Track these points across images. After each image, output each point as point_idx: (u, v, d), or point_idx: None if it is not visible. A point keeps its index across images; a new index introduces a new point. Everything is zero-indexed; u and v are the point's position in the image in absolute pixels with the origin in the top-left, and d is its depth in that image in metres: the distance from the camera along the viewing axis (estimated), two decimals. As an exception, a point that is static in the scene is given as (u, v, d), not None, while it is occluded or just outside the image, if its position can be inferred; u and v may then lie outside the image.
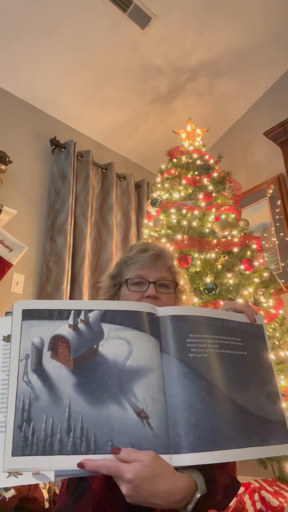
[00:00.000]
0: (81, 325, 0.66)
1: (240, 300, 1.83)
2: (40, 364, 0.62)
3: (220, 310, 0.82)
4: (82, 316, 0.67)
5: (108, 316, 0.67)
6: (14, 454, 0.55)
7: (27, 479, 0.55)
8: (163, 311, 0.72)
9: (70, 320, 0.66)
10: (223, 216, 2.13)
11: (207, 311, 0.77)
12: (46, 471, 0.56)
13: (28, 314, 0.65)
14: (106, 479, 0.70)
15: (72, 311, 0.67)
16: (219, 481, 0.68)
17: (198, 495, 0.61)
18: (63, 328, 0.65)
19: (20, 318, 0.64)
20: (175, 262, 1.07)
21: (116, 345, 0.65)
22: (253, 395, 0.70)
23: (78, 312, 0.67)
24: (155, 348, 0.67)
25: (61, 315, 0.66)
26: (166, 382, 0.64)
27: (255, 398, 0.70)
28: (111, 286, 1.03)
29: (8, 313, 0.66)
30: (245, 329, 0.78)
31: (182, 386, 0.64)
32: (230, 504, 1.39)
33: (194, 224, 2.11)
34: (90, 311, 0.67)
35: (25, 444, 0.56)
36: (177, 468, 0.61)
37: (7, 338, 0.64)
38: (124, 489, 0.57)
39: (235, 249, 2.02)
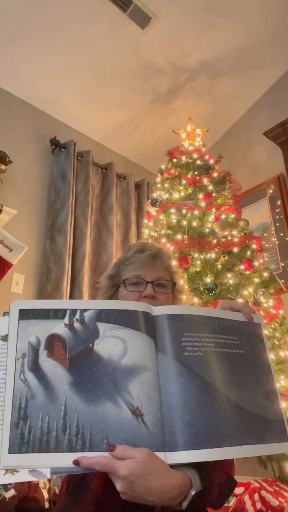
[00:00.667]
0: (76, 324, 0.67)
1: (240, 300, 1.83)
2: (37, 363, 0.63)
3: (217, 309, 0.82)
4: (77, 316, 0.67)
5: (103, 316, 0.68)
6: (10, 451, 0.56)
7: (23, 476, 0.56)
8: (159, 310, 0.72)
9: (66, 320, 0.67)
10: (223, 216, 2.13)
11: (203, 310, 0.77)
12: (42, 468, 0.57)
13: (25, 314, 0.66)
14: (105, 479, 0.70)
15: (68, 311, 0.67)
16: (215, 479, 0.68)
17: (193, 492, 0.62)
18: (59, 327, 0.66)
19: (16, 317, 0.65)
20: (174, 262, 1.07)
21: (111, 344, 0.66)
22: (250, 394, 0.70)
23: (73, 312, 0.67)
24: (150, 347, 0.67)
25: (57, 314, 0.67)
26: (161, 381, 0.65)
27: (252, 396, 0.70)
28: (109, 286, 1.04)
29: (5, 313, 0.67)
30: (242, 327, 0.78)
31: (177, 384, 0.64)
32: (230, 504, 1.39)
33: (194, 224, 2.11)
34: (85, 310, 0.68)
35: (22, 441, 0.57)
36: (172, 466, 0.61)
37: (5, 338, 0.65)
38: (118, 485, 0.57)
39: (235, 249, 2.02)
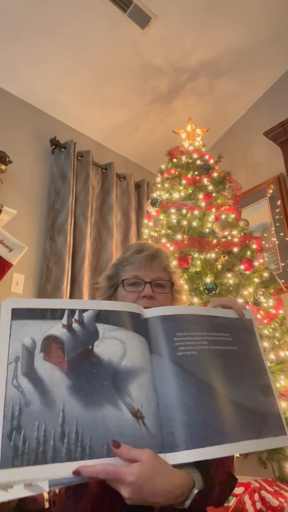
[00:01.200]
0: (75, 325, 0.64)
1: (240, 300, 1.83)
2: (32, 367, 0.58)
3: (208, 307, 0.82)
4: (76, 316, 0.65)
5: (102, 316, 0.67)
6: (3, 466, 0.51)
7: (18, 492, 0.51)
8: (150, 313, 0.72)
9: (64, 320, 0.64)
10: (223, 216, 2.13)
11: (194, 309, 0.77)
12: (39, 481, 0.53)
13: (18, 314, 0.61)
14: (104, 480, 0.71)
15: (66, 311, 0.64)
16: (216, 478, 0.68)
17: (196, 491, 0.62)
18: (57, 328, 0.63)
19: (9, 317, 0.60)
20: (174, 262, 1.07)
21: (111, 345, 0.64)
22: (245, 389, 0.70)
23: (72, 312, 0.65)
24: (146, 349, 0.67)
25: (54, 314, 0.64)
26: (157, 382, 0.64)
27: (247, 392, 0.70)
28: (108, 287, 1.04)
29: None
30: (234, 324, 0.78)
31: (173, 385, 0.64)
32: (230, 504, 1.39)
33: (194, 224, 2.11)
34: (84, 310, 0.66)
35: (15, 454, 0.52)
36: (174, 466, 0.61)
37: None
38: (125, 492, 0.56)
39: (235, 249, 2.02)
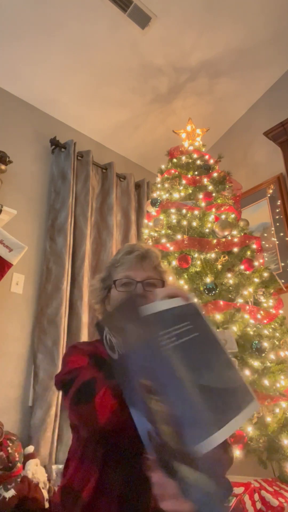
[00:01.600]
0: None
1: (240, 300, 1.83)
2: None
3: (157, 301, 0.79)
4: None
5: None
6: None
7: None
8: None
9: None
10: (223, 216, 2.13)
11: (153, 307, 0.73)
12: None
13: None
14: (95, 488, 0.71)
15: None
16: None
17: None
18: None
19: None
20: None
21: None
22: (216, 371, 0.70)
23: None
24: None
25: None
26: None
27: (218, 373, 0.70)
28: (102, 288, 1.06)
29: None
30: (186, 310, 0.78)
31: None
32: (230, 504, 1.39)
33: (194, 224, 2.11)
34: None
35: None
36: None
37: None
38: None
39: (235, 249, 2.02)
